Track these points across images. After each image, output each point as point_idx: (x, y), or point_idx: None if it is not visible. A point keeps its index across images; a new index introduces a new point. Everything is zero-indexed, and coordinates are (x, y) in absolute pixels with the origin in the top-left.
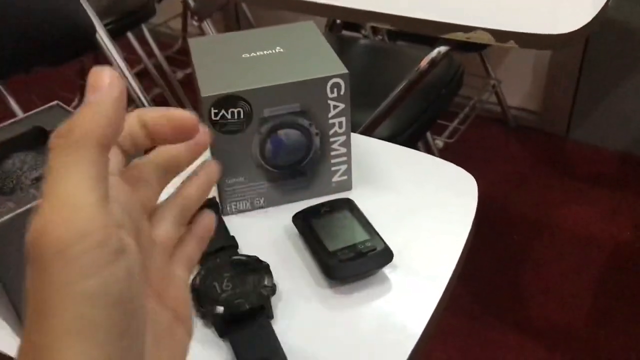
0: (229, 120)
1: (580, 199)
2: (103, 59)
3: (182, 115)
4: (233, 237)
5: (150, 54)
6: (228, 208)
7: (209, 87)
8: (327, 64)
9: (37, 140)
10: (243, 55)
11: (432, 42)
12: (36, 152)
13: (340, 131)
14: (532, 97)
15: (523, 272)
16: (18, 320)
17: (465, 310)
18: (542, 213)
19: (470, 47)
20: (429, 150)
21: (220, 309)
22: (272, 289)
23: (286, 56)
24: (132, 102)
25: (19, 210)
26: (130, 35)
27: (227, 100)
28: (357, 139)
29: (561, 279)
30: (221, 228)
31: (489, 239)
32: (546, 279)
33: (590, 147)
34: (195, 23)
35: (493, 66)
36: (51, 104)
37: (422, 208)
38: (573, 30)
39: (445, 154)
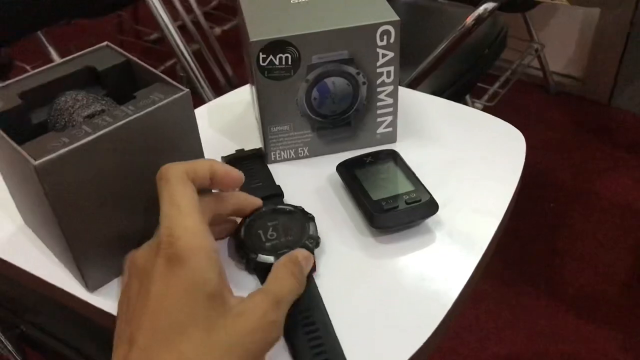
0: (276, 66)
1: (620, 167)
2: (142, 13)
3: (240, 176)
4: (279, 186)
5: (188, 9)
6: (272, 156)
7: (258, 32)
8: (378, 11)
9: (88, 79)
10: (292, 1)
11: (476, 2)
12: (87, 91)
13: (388, 81)
14: (576, 63)
15: (558, 240)
16: (70, 254)
17: (497, 275)
18: (580, 181)
19: (515, 7)
20: None
21: (264, 257)
22: (317, 242)
23: (336, 2)
24: (174, 57)
25: (73, 145)
26: None
27: (275, 46)
28: (402, 91)
29: (597, 248)
30: (267, 176)
31: (525, 205)
32: (582, 247)
33: (633, 115)
34: None
35: (537, 30)
36: (101, 44)
37: (468, 162)
38: None
39: None
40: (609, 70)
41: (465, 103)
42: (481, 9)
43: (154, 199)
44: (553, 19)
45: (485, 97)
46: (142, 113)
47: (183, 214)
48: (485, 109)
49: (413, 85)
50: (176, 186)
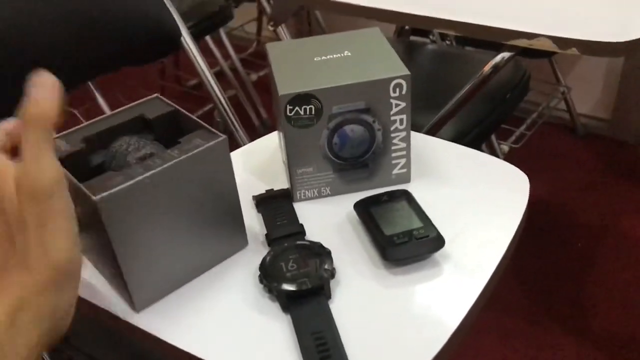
0: (301, 116)
1: None
2: (183, 60)
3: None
4: (301, 225)
5: (226, 56)
6: (298, 195)
7: (286, 86)
8: (391, 66)
9: (140, 126)
10: (315, 59)
11: (499, 48)
12: (139, 136)
13: (400, 127)
14: (603, 104)
15: (586, 280)
16: (121, 277)
17: (524, 313)
18: (608, 221)
19: (538, 54)
20: (493, 154)
21: (285, 286)
22: (332, 273)
23: (353, 59)
24: (212, 102)
25: (127, 183)
26: (207, 37)
27: (301, 98)
28: (418, 137)
29: (625, 288)
30: (292, 215)
31: (553, 244)
32: (610, 287)
33: None
34: (270, 28)
35: (563, 73)
36: (152, 96)
37: (475, 202)
38: (635, 39)
39: (510, 159)
40: (637, 111)
41: (491, 145)
42: (498, 57)
43: (193, 229)
44: (579, 62)
45: (512, 138)
46: (185, 156)
47: None
48: (512, 151)
49: (434, 130)
50: None
